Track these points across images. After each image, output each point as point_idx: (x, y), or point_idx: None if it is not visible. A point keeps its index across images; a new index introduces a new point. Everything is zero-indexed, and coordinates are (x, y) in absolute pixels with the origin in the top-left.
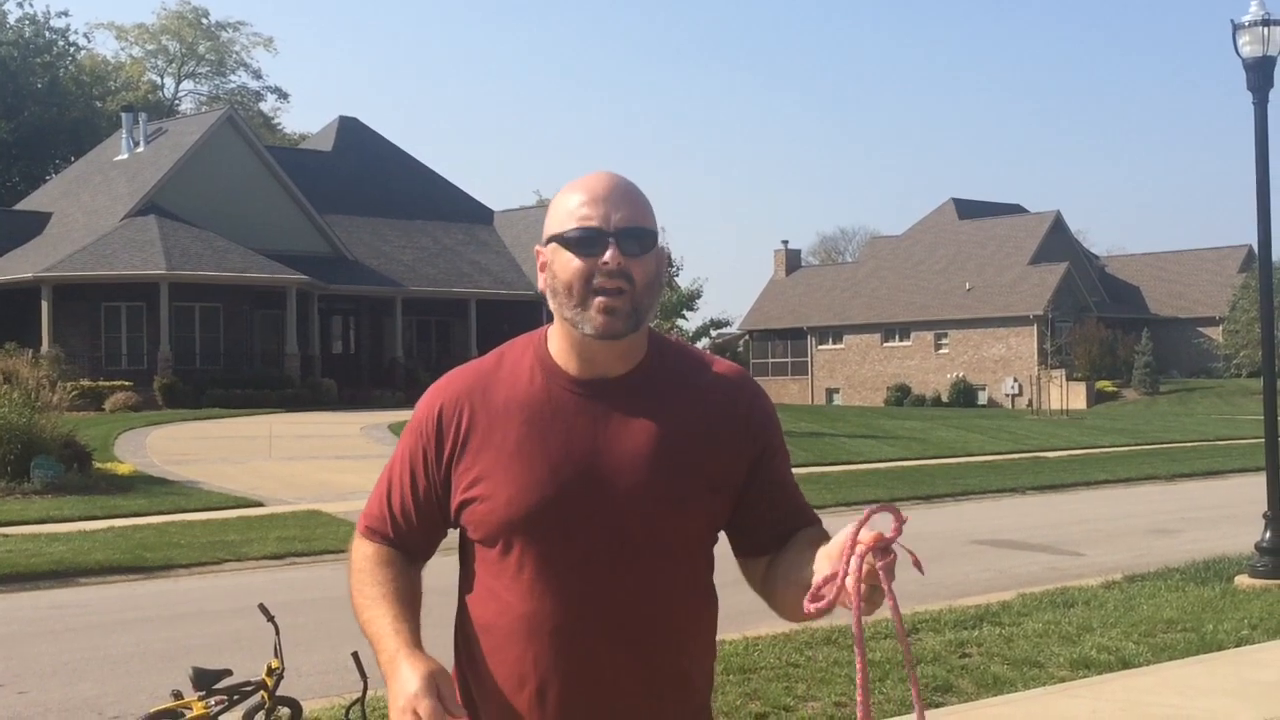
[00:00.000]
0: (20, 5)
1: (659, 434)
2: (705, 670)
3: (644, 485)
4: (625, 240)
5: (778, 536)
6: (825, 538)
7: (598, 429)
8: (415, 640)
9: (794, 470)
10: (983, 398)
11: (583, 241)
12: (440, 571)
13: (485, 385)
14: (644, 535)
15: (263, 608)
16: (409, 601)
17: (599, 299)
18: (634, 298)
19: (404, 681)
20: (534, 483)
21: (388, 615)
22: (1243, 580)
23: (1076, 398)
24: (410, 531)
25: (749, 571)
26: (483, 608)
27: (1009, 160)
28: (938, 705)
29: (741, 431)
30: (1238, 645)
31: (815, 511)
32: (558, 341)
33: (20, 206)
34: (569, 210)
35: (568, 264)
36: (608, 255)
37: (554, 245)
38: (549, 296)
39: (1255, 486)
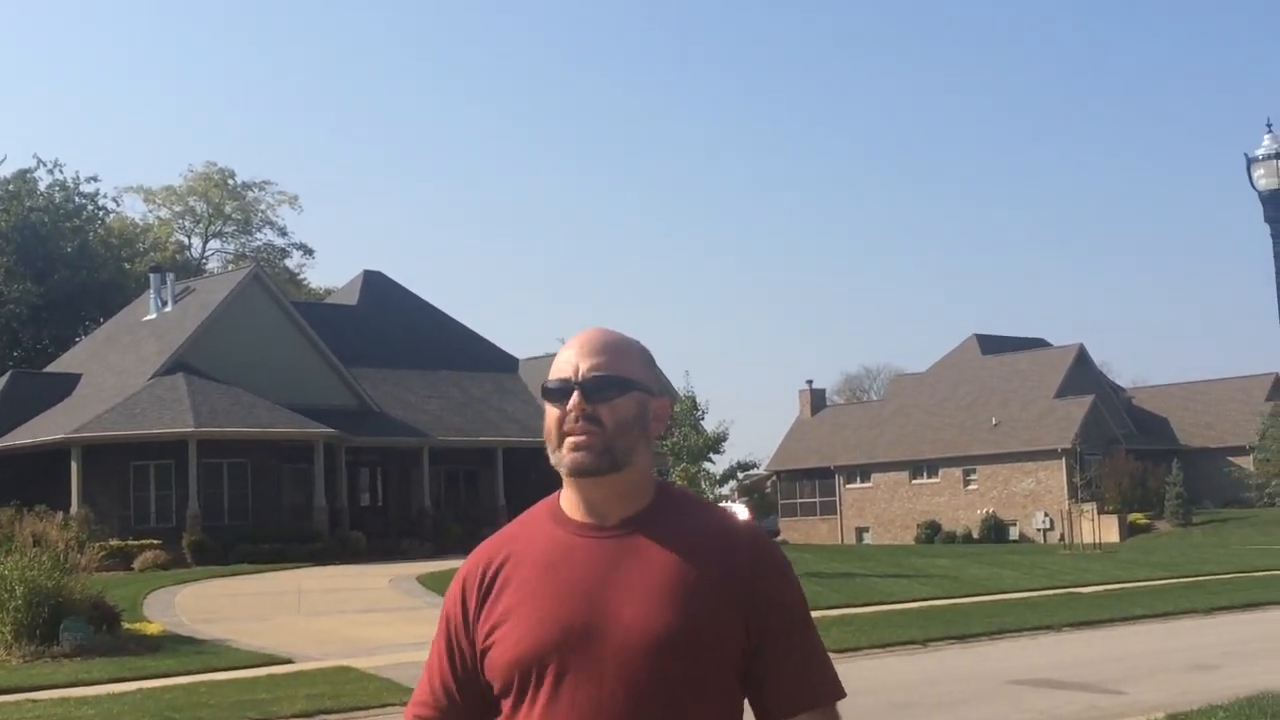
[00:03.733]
0: (50, 172)
1: (660, 576)
2: None
3: (641, 625)
4: (590, 388)
5: (775, 704)
6: None
7: (602, 570)
8: None
9: (825, 613)
10: (1014, 533)
11: (556, 392)
12: None
13: (504, 547)
14: (644, 674)
15: None
16: None
17: (568, 439)
18: (604, 438)
19: None
20: (539, 622)
21: None
22: None
23: (1109, 531)
24: (454, 708)
25: None
26: None
27: (1030, 295)
28: None
29: (741, 586)
30: None
31: (829, 683)
32: (566, 493)
33: (50, 368)
34: (554, 367)
35: (548, 414)
36: (571, 401)
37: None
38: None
39: None
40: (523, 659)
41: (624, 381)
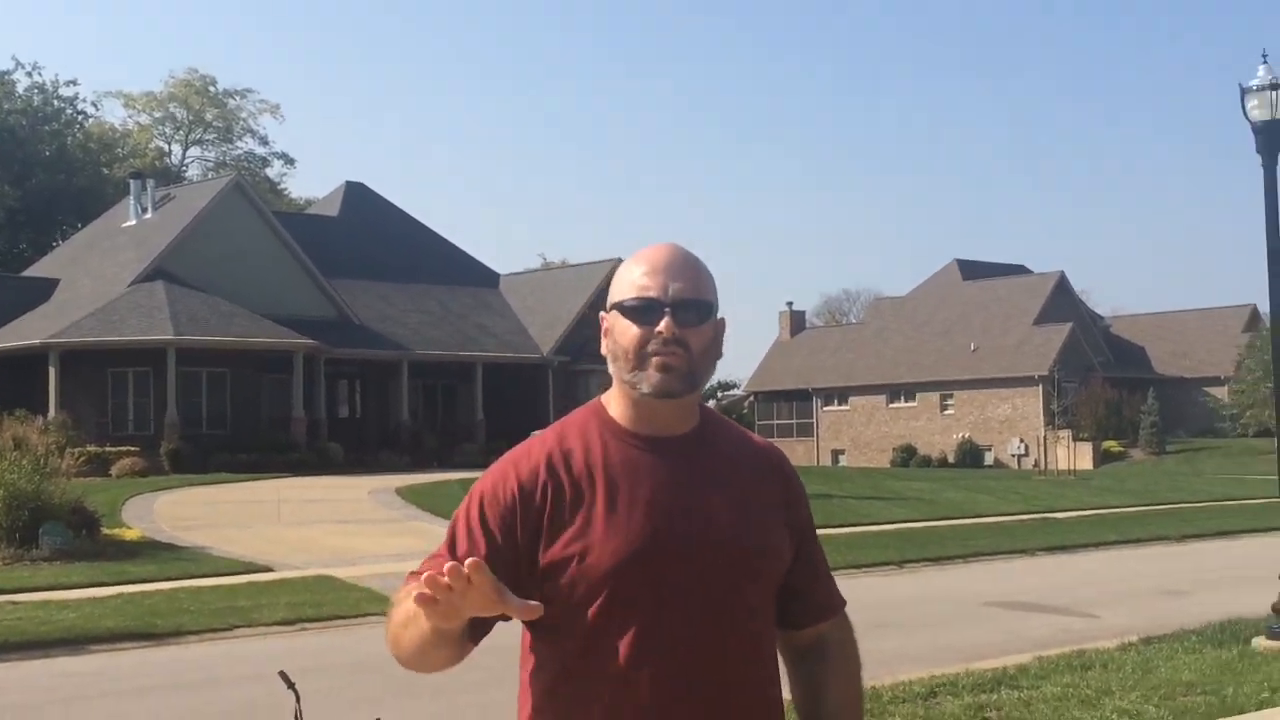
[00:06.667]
0: (29, 74)
1: (732, 487)
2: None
3: (730, 533)
4: (680, 310)
5: (808, 611)
6: (846, 644)
7: (676, 481)
8: None
9: None
10: (989, 458)
11: (640, 310)
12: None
13: (559, 453)
14: (735, 583)
15: (283, 675)
16: None
17: (655, 359)
18: (689, 361)
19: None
20: (634, 533)
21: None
22: (1260, 642)
23: (1083, 458)
24: None
25: (780, 643)
26: (574, 661)
27: (1013, 221)
28: None
29: (787, 499)
30: (1259, 708)
31: (838, 591)
32: (618, 405)
33: (28, 273)
34: (630, 280)
35: (626, 330)
36: (662, 324)
37: (615, 313)
38: (609, 360)
39: (1265, 547)
40: (620, 568)
41: (709, 306)
